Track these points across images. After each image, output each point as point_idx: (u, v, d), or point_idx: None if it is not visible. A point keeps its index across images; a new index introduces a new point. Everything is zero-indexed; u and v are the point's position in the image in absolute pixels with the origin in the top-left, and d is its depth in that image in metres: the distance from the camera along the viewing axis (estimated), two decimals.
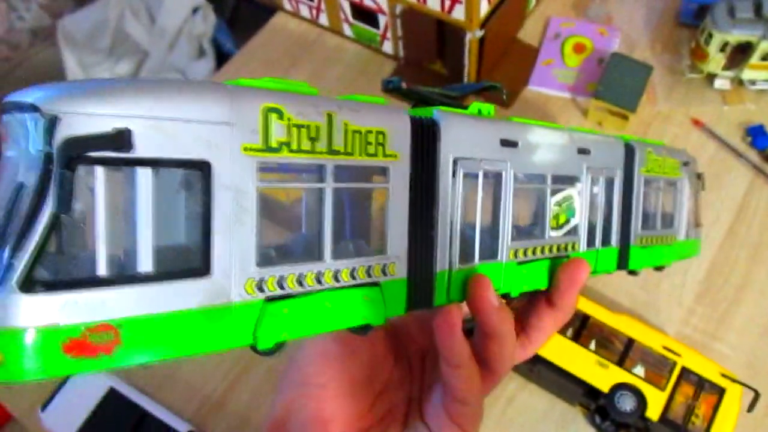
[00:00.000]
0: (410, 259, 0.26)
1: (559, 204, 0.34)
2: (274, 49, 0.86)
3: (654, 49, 0.79)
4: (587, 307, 0.57)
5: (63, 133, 0.17)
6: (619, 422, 0.54)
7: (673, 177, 0.44)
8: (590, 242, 0.36)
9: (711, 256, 0.66)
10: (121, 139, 0.17)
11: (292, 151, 0.22)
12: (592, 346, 0.55)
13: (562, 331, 0.56)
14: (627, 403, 0.52)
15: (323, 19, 0.84)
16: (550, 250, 0.33)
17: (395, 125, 0.25)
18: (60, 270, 0.17)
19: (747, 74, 0.72)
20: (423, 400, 0.33)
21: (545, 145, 0.32)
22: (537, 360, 0.55)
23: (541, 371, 0.56)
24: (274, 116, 0.21)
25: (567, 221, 0.34)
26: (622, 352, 0.54)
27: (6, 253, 0.16)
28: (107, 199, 0.17)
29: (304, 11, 0.85)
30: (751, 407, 0.52)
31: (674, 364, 0.53)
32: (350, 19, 0.80)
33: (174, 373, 0.64)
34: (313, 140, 0.22)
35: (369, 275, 0.24)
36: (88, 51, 1.30)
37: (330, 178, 0.23)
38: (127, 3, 1.27)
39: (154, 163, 0.18)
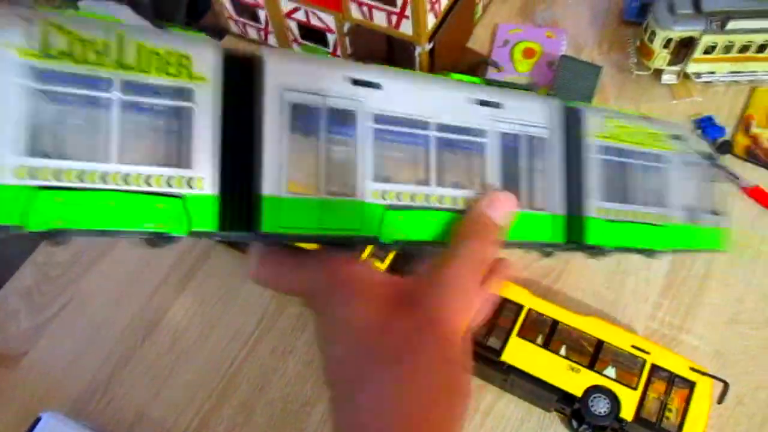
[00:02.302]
0: (224, 178, 0.27)
1: (459, 154, 0.33)
2: None
3: (601, 49, 0.81)
4: (555, 312, 0.57)
5: None
6: (596, 425, 0.54)
7: (654, 149, 0.41)
8: None
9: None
10: None
11: (74, 61, 0.24)
12: (563, 351, 0.55)
13: (533, 339, 0.56)
14: (601, 406, 0.52)
15: (272, 41, 0.83)
16: (441, 201, 0.32)
17: (203, 52, 0.27)
18: None
19: (692, 68, 0.73)
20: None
21: (424, 92, 0.32)
22: (510, 370, 0.55)
23: (515, 381, 0.56)
24: (53, 29, 0.24)
25: (473, 173, 0.33)
26: (593, 354, 0.54)
27: None
28: None
29: (252, 33, 0.84)
30: (721, 398, 0.52)
31: (644, 362, 0.54)
32: (299, 39, 0.80)
33: (144, 412, 0.62)
34: (99, 54, 0.24)
35: (169, 185, 0.26)
36: None
37: (117, 90, 0.25)
38: None
39: None
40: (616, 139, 0.38)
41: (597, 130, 0.38)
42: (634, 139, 0.40)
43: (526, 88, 0.36)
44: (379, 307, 0.29)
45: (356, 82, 0.30)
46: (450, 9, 0.71)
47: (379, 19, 0.68)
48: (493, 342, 0.56)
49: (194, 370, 0.64)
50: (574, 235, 0.36)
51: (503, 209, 0.32)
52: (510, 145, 0.34)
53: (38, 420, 0.57)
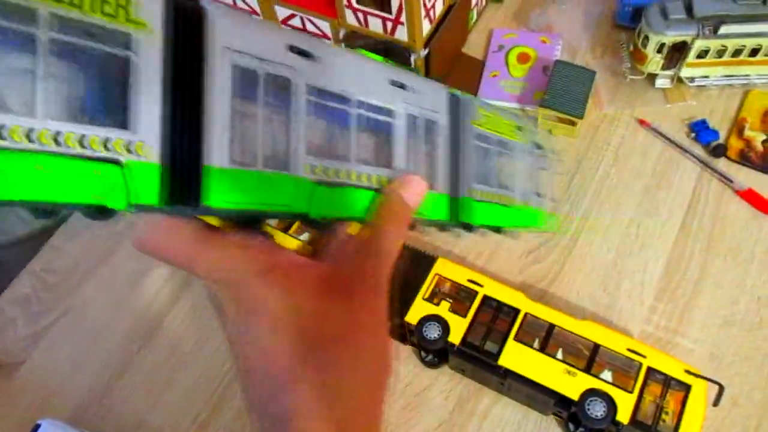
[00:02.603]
0: (169, 145, 0.24)
1: (373, 132, 0.33)
2: None
3: (595, 53, 0.81)
4: (551, 316, 0.57)
5: None
6: (592, 428, 0.54)
7: (507, 138, 0.44)
8: None
9: (667, 253, 0.67)
10: None
11: None
12: (560, 355, 0.55)
13: (529, 342, 0.56)
14: (597, 409, 0.52)
15: None
16: (361, 179, 0.32)
17: None
18: None
19: (685, 72, 0.74)
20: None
21: (351, 67, 0.31)
22: (507, 373, 0.55)
23: (512, 384, 0.56)
24: None
25: (384, 153, 0.33)
26: (589, 358, 0.55)
27: None
28: None
29: None
30: (716, 401, 0.53)
31: (640, 365, 0.54)
32: None
33: (143, 420, 0.62)
34: None
35: (107, 149, 0.22)
36: None
37: (44, 25, 0.20)
38: None
39: None
40: (485, 126, 0.41)
41: (472, 117, 0.40)
42: (495, 127, 0.42)
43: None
44: (315, 295, 0.28)
45: (293, 50, 0.28)
46: (445, 15, 0.71)
47: (375, 26, 0.68)
48: (490, 346, 0.56)
49: (192, 376, 0.65)
50: (456, 214, 0.39)
51: (416, 192, 0.33)
52: (413, 126, 0.35)
53: (37, 427, 0.57)
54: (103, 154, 0.22)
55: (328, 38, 0.75)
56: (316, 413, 0.27)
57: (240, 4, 0.77)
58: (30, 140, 0.20)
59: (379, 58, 0.35)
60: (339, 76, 0.31)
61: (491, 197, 0.42)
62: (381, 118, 0.33)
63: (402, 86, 0.34)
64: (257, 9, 0.77)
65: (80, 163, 0.21)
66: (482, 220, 0.41)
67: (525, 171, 0.47)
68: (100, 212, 0.22)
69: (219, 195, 0.25)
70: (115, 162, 0.22)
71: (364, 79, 0.32)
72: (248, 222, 0.29)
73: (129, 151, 0.22)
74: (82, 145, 0.21)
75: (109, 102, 0.22)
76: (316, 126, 0.30)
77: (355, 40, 0.72)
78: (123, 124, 0.22)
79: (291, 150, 0.29)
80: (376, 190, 0.32)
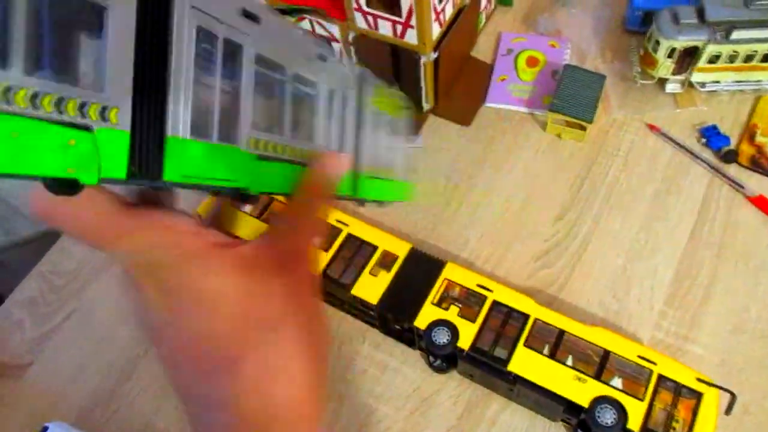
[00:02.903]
0: (135, 110, 0.21)
1: (301, 105, 0.32)
2: None
3: (604, 58, 0.81)
4: (561, 322, 0.57)
5: None
6: None
7: (395, 116, 0.45)
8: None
9: (677, 259, 0.67)
10: None
11: None
12: (569, 361, 0.55)
13: (539, 349, 0.56)
14: (608, 417, 0.52)
15: None
16: (293, 153, 0.31)
17: None
18: None
19: (696, 77, 0.74)
20: None
21: (285, 36, 0.30)
22: (516, 379, 0.55)
23: (521, 390, 0.56)
24: None
25: (308, 127, 0.33)
26: (599, 365, 0.54)
27: None
28: None
29: None
30: (728, 410, 0.52)
31: (651, 372, 0.54)
32: None
33: (149, 423, 0.62)
34: None
35: (82, 114, 0.19)
36: None
37: None
38: None
39: None
40: (380, 105, 0.42)
41: (372, 95, 0.40)
42: (386, 106, 0.43)
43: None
44: (245, 274, 0.27)
45: (245, 13, 0.26)
46: (454, 18, 0.71)
47: (384, 29, 0.68)
48: (499, 352, 0.56)
49: None
50: (356, 189, 0.39)
51: (339, 167, 0.33)
52: (331, 101, 0.35)
53: (44, 430, 0.57)
54: (77, 119, 0.19)
55: (337, 41, 0.75)
56: (259, 392, 0.27)
57: None
58: (7, 101, 0.17)
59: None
60: (278, 45, 0.29)
61: (377, 173, 0.43)
62: (307, 90, 0.32)
63: (324, 59, 0.33)
64: None
65: (58, 130, 0.18)
66: (373, 195, 0.42)
67: (399, 146, 0.48)
68: (68, 186, 0.19)
69: (180, 168, 0.23)
70: (88, 129, 0.19)
71: (296, 50, 0.31)
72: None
73: (102, 118, 0.20)
74: (59, 110, 0.18)
75: (80, 63, 0.19)
76: (257, 97, 0.28)
77: (365, 43, 0.72)
78: (96, 85, 0.20)
79: (240, 122, 0.27)
80: (301, 165, 0.32)
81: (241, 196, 0.28)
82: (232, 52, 0.26)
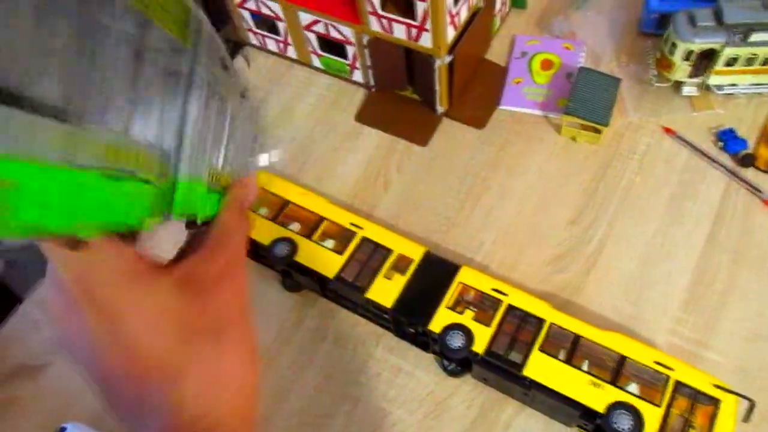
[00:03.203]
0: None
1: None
2: None
3: (620, 60, 0.81)
4: (577, 326, 0.57)
5: None
6: None
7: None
8: (196, 167, 0.28)
9: (693, 263, 0.66)
10: None
11: None
12: (585, 366, 0.55)
13: (554, 353, 0.55)
14: (624, 422, 0.52)
15: (291, 52, 0.84)
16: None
17: None
18: None
19: (713, 80, 0.73)
20: None
21: None
22: (531, 384, 0.55)
23: (536, 395, 0.56)
24: None
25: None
26: (615, 370, 0.54)
27: None
28: None
29: (271, 45, 0.85)
30: (747, 417, 0.52)
31: (667, 378, 0.53)
32: (318, 51, 0.80)
33: None
34: None
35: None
36: None
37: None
38: None
39: None
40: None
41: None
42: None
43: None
44: (180, 293, 0.29)
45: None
46: (469, 21, 0.71)
47: (399, 32, 0.68)
48: (514, 356, 0.56)
49: None
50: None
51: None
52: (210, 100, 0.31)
53: (62, 430, 0.57)
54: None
55: (351, 44, 0.75)
56: (203, 400, 0.29)
57: (264, 10, 0.78)
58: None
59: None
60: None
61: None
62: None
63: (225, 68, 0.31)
64: (281, 15, 0.77)
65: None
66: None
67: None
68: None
69: None
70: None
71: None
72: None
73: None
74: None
75: None
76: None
77: (379, 46, 0.72)
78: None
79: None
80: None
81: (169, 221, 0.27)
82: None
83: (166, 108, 0.24)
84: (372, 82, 0.80)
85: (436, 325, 0.58)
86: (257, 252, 0.66)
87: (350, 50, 0.76)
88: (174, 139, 0.25)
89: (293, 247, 0.64)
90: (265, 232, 0.65)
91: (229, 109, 0.32)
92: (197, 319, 0.30)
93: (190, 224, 0.31)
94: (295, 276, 0.66)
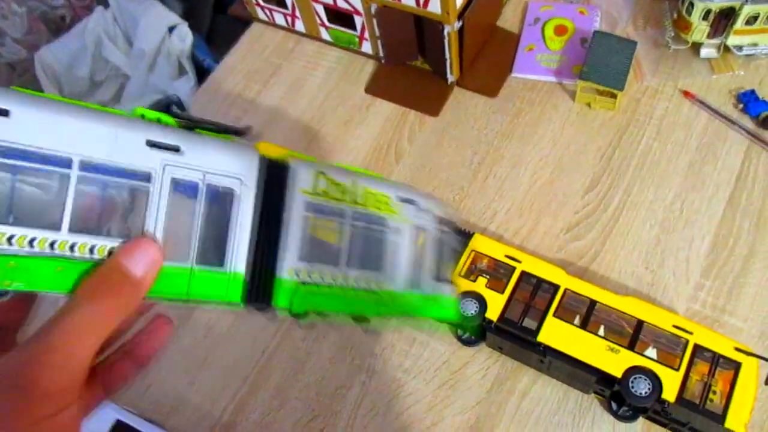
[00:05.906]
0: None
1: (104, 197, 0.28)
2: (253, 61, 0.85)
3: (636, 24, 0.78)
4: (592, 292, 0.56)
5: None
6: (636, 406, 0.52)
7: (377, 212, 0.40)
8: (180, 256, 0.30)
9: (714, 229, 0.64)
10: None
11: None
12: (601, 331, 0.54)
13: (569, 319, 0.54)
14: (642, 387, 0.51)
15: (299, 26, 0.83)
16: (73, 250, 0.27)
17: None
18: None
19: (733, 40, 0.71)
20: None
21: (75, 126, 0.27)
22: (546, 351, 0.54)
23: (552, 362, 0.55)
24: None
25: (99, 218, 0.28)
26: (633, 335, 0.53)
27: None
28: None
29: (279, 19, 0.84)
30: None
31: (686, 342, 0.52)
32: (326, 23, 0.79)
33: (182, 398, 0.63)
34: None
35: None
36: (69, 80, 1.29)
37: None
38: (102, 29, 1.26)
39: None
40: (327, 197, 0.37)
41: (306, 186, 0.36)
42: (348, 197, 0.38)
43: (236, 131, 0.33)
44: None
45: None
46: None
47: None
48: (528, 323, 0.55)
49: (229, 356, 0.65)
50: (259, 295, 0.34)
51: (144, 259, 0.28)
52: (185, 193, 0.31)
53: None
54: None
55: (360, 14, 0.74)
56: None
57: None
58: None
59: (166, 119, 0.31)
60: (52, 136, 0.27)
61: (338, 279, 0.37)
62: (126, 181, 0.29)
63: (175, 149, 0.30)
64: None
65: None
66: (315, 305, 0.36)
67: (410, 250, 0.42)
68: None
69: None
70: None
71: (101, 139, 0.28)
72: None
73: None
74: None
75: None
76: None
77: (388, 14, 0.71)
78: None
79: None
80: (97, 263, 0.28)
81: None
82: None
83: None
84: (381, 54, 0.78)
85: None
86: None
87: (359, 21, 0.75)
88: None
89: None
90: None
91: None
92: (6, 422, 0.25)
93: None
94: None
